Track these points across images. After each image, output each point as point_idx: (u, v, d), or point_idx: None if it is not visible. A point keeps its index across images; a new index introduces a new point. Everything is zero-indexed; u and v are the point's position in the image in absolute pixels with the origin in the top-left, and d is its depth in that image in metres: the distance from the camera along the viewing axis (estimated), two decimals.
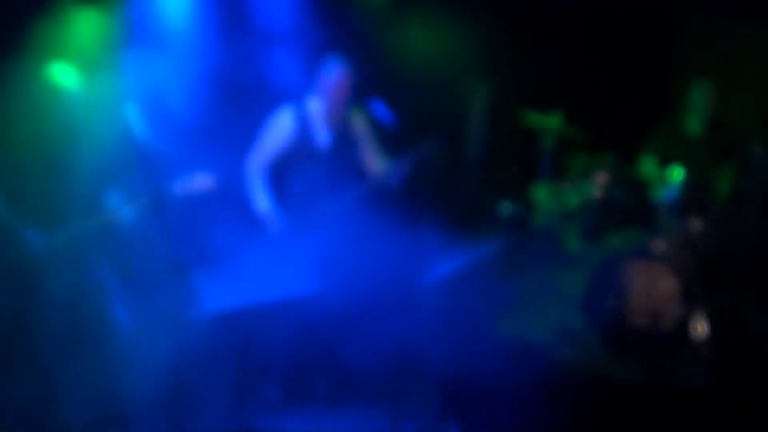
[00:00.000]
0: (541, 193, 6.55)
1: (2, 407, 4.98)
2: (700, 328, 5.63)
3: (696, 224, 6.07)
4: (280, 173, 5.87)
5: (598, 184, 6.40)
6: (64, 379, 5.10)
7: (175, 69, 5.60)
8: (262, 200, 5.77)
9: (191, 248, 5.07)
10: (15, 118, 5.29)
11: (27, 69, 5.36)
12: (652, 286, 5.61)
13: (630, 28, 7.53)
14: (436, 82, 6.86)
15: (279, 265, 5.55)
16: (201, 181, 5.34)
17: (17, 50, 5.34)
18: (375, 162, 5.90)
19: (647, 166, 6.90)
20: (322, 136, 5.79)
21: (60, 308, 5.23)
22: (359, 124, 5.88)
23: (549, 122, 6.53)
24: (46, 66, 5.41)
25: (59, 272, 5.25)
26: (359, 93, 5.63)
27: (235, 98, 5.83)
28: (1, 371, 5.02)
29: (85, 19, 5.55)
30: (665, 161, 6.88)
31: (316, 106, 5.77)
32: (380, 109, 5.13)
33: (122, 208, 5.34)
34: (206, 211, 5.57)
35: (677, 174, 6.23)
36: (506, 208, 7.10)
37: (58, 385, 5.08)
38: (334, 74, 5.62)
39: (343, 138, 5.81)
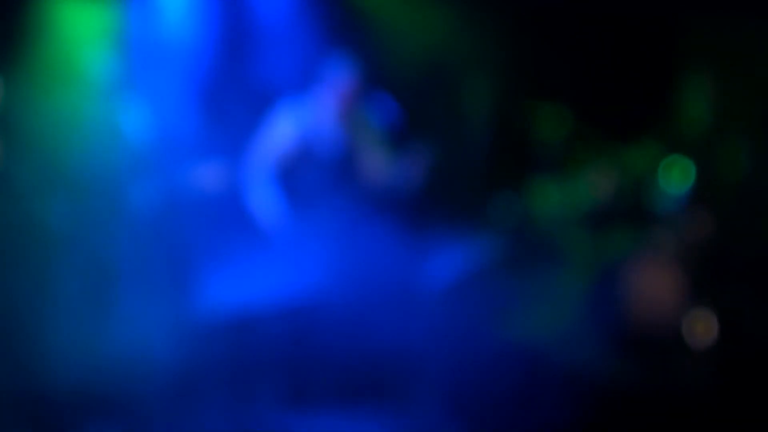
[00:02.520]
0: (543, 191, 6.53)
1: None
2: (704, 329, 5.62)
3: (699, 223, 6.05)
4: (283, 174, 5.86)
5: (599, 181, 6.39)
6: (68, 361, 5.12)
7: (177, 67, 5.58)
8: (265, 201, 5.77)
9: (194, 247, 5.05)
10: (25, 109, 5.27)
11: (37, 61, 5.34)
12: (655, 286, 5.59)
13: (632, 22, 7.49)
14: (438, 77, 6.82)
15: (281, 267, 5.55)
16: (213, 174, 5.38)
17: (24, 44, 5.31)
18: (380, 163, 5.91)
19: (650, 163, 6.88)
20: (327, 136, 5.79)
21: (63, 300, 5.25)
22: (364, 123, 5.88)
23: (551, 118, 6.51)
24: (58, 58, 5.39)
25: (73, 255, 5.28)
26: (365, 91, 5.62)
27: (238, 98, 5.81)
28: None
29: (84, 14, 5.52)
30: (668, 158, 6.86)
31: (321, 106, 5.77)
32: (385, 105, 5.12)
33: (126, 203, 5.37)
34: (209, 210, 5.57)
35: (680, 171, 6.22)
36: (507, 206, 7.08)
37: (62, 365, 5.10)
38: (341, 74, 5.61)
39: (348, 138, 5.81)
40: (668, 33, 7.95)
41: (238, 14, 5.80)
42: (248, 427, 5.20)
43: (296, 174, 5.79)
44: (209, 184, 5.46)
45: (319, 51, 5.74)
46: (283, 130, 5.76)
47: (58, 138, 5.28)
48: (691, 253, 5.96)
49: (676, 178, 6.20)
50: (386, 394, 5.20)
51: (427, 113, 6.74)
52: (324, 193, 5.77)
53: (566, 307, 6.29)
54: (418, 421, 5.42)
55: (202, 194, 5.50)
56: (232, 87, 5.81)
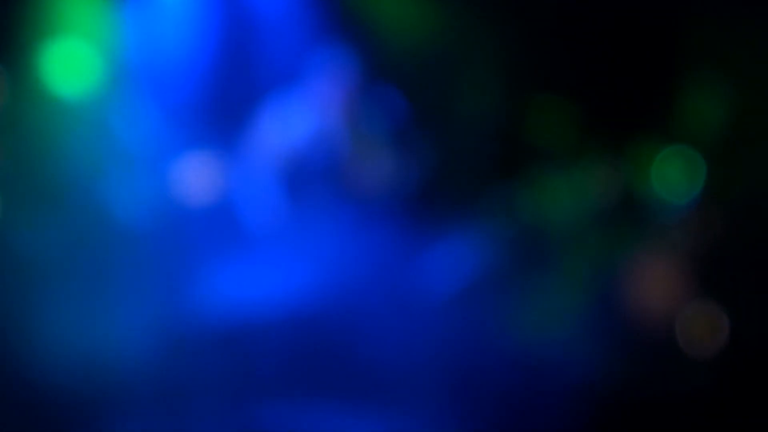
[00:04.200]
0: (545, 190, 6.50)
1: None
2: (707, 330, 5.59)
3: (704, 223, 6.03)
4: (280, 173, 5.86)
5: (603, 180, 6.37)
6: (66, 364, 5.11)
7: (173, 64, 5.56)
8: (262, 201, 5.77)
9: (191, 249, 5.03)
10: (10, 110, 5.25)
11: (23, 58, 5.30)
12: (658, 286, 5.57)
13: (639, 17, 7.46)
14: (438, 74, 6.80)
15: (279, 268, 5.54)
16: (209, 166, 5.40)
17: (14, 37, 5.28)
18: (379, 161, 5.91)
19: (655, 162, 6.87)
20: (325, 133, 5.78)
21: (55, 303, 5.24)
22: (364, 121, 5.89)
23: (554, 115, 6.48)
24: (43, 54, 5.36)
25: (55, 268, 5.28)
26: (364, 88, 5.61)
27: (235, 95, 5.79)
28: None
29: (82, 13, 5.48)
30: (671, 158, 6.85)
31: (319, 103, 5.77)
32: (385, 102, 5.09)
33: (119, 204, 5.37)
34: (206, 211, 5.57)
35: (686, 171, 6.21)
36: (509, 206, 7.05)
37: (59, 369, 5.09)
38: (340, 70, 5.61)
39: (347, 136, 5.81)
40: (677, 28, 7.92)
41: (235, 10, 5.78)
42: (247, 427, 5.19)
43: (294, 172, 5.79)
44: (204, 182, 5.46)
45: (318, 47, 5.72)
46: (280, 128, 5.76)
47: (53, 140, 5.27)
48: (695, 253, 5.94)
49: (682, 177, 6.17)
50: (386, 396, 5.17)
51: (428, 110, 6.71)
52: (322, 191, 5.77)
53: (568, 307, 6.26)
54: (418, 422, 5.41)
55: (197, 195, 5.50)
56: (229, 84, 5.79)
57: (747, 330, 5.86)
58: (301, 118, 5.75)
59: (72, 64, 5.37)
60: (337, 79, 5.63)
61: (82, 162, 5.32)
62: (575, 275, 6.89)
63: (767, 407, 5.19)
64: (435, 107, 6.78)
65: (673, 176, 6.17)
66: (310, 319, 5.51)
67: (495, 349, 5.78)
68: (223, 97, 5.70)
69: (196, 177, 5.51)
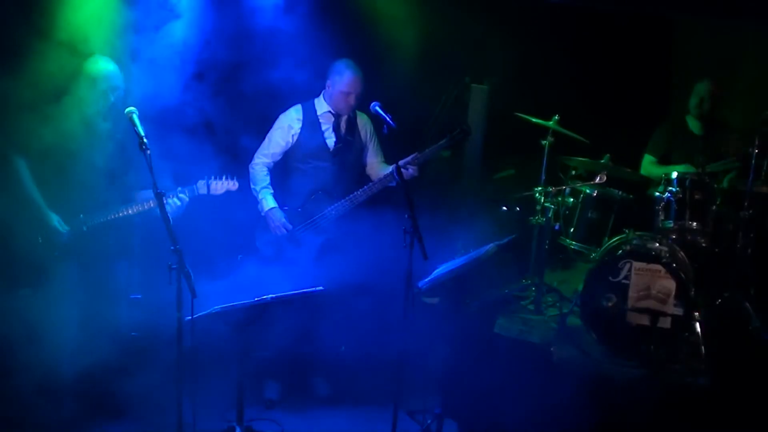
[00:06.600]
0: (542, 190, 6.53)
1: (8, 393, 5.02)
2: (699, 327, 5.63)
3: (695, 223, 6.07)
4: (284, 173, 5.90)
5: (598, 183, 6.39)
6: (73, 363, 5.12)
7: (180, 66, 5.58)
8: (265, 198, 5.81)
9: (194, 244, 5.03)
10: (33, 108, 5.24)
11: (42, 59, 5.31)
12: (651, 285, 5.60)
13: (629, 27, 7.53)
14: (436, 82, 6.86)
15: (279, 264, 5.58)
16: (227, 184, 5.45)
17: (30, 41, 5.28)
18: (378, 164, 5.97)
19: (647, 165, 6.93)
20: (328, 137, 5.83)
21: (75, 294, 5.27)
22: (364, 126, 5.95)
23: (548, 123, 6.50)
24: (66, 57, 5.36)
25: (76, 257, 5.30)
26: (366, 92, 5.67)
27: (243, 98, 5.83)
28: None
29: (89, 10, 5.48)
30: (665, 160, 6.90)
31: (323, 108, 5.82)
32: (381, 111, 5.13)
33: (134, 202, 5.40)
34: (210, 208, 5.60)
35: (676, 173, 6.23)
36: (506, 205, 7.10)
37: (65, 369, 5.11)
38: (344, 78, 5.66)
39: (348, 140, 5.87)
40: (667, 35, 8.00)
41: (241, 16, 5.82)
42: (248, 426, 5.21)
43: (299, 172, 5.84)
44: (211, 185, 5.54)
45: (322, 52, 5.77)
46: (288, 130, 5.82)
47: (58, 133, 5.28)
48: (687, 252, 5.98)
49: (674, 179, 6.20)
50: (386, 394, 5.19)
51: (427, 114, 6.77)
52: (325, 192, 5.82)
53: (564, 305, 6.32)
54: (416, 420, 5.45)
55: (203, 195, 5.55)
56: (234, 87, 5.84)
57: (746, 327, 5.91)
58: (307, 120, 5.81)
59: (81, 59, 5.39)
60: (343, 83, 5.70)
61: (91, 159, 5.35)
62: (573, 273, 6.95)
63: (763, 404, 5.24)
64: (436, 111, 6.83)
65: (669, 178, 6.20)
66: (312, 316, 5.55)
67: (492, 346, 5.82)
68: (228, 102, 5.75)
69: (203, 179, 5.56)
